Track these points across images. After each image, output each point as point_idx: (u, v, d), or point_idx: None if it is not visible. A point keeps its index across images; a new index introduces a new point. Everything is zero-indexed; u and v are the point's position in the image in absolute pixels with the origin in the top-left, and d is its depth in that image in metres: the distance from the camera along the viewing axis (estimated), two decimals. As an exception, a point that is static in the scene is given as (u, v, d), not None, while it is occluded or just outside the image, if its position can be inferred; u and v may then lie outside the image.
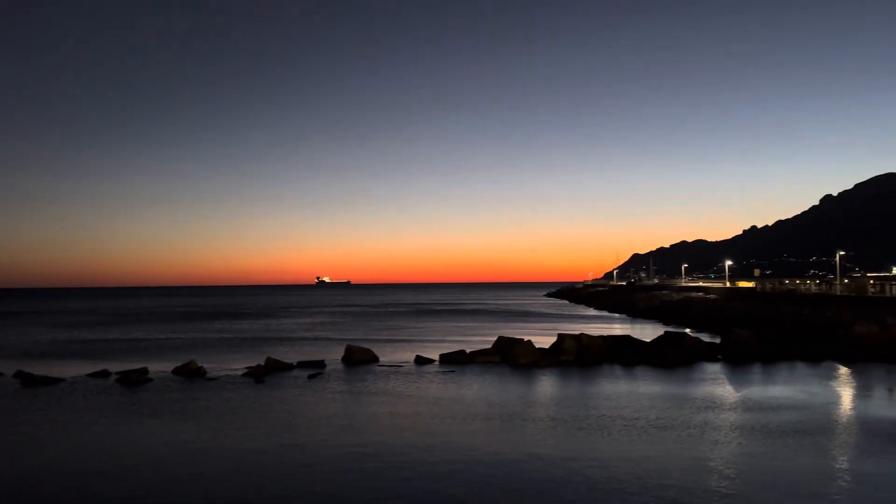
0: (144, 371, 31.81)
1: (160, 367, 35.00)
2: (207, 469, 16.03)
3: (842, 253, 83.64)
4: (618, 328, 62.02)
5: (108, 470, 16.11)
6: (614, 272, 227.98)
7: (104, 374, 32.12)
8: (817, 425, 20.02)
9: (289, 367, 34.20)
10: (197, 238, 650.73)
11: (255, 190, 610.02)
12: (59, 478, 15.54)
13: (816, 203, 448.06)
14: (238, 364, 36.18)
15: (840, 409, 22.87)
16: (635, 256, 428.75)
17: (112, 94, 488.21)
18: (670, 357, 35.28)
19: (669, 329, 50.65)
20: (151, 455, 17.44)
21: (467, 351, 37.35)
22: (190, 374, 32.28)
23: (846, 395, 25.79)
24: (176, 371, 32.93)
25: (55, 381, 30.27)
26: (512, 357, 35.44)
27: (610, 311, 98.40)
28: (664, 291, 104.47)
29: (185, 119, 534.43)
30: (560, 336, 37.78)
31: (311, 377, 31.04)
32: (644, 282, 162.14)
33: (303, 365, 35.01)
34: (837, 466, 15.70)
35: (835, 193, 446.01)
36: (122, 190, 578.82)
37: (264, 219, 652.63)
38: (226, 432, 20.03)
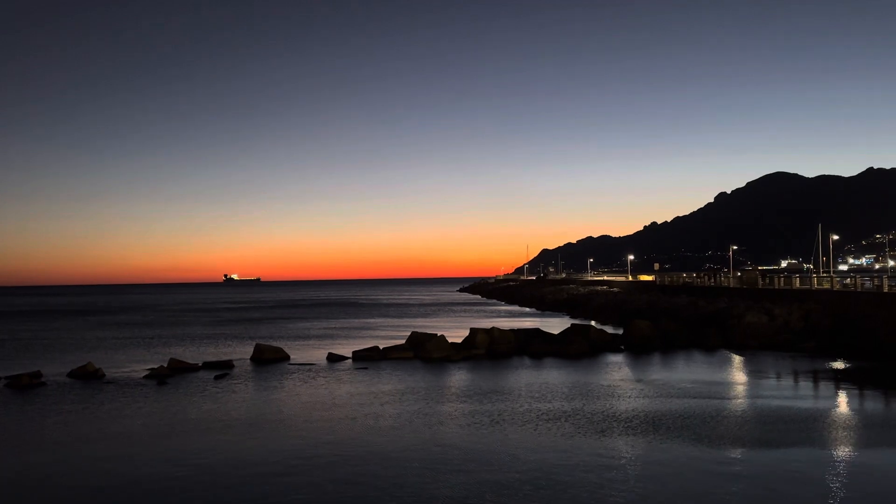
0: (37, 374, 30.04)
1: (54, 369, 33.14)
2: (104, 478, 15.34)
3: (735, 248, 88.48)
4: (528, 322, 63.40)
5: (-4, 481, 15.19)
6: (525, 267, 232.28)
7: (-9, 380, 30.13)
8: (711, 412, 21.20)
9: (194, 368, 33.08)
10: (100, 234, 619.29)
11: (161, 186, 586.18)
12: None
13: (712, 200, 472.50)
14: (139, 365, 34.74)
15: (732, 395, 24.28)
16: (545, 252, 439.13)
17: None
18: (576, 348, 36.45)
19: (576, 321, 52.20)
20: (45, 466, 16.53)
21: (381, 347, 37.29)
22: (87, 376, 30.72)
23: (738, 382, 27.43)
24: (72, 374, 31.26)
25: (-66, 388, 28.15)
26: (425, 352, 35.65)
27: (521, 305, 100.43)
28: (571, 285, 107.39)
29: (91, 113, 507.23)
30: (472, 330, 38.32)
31: (217, 378, 30.15)
32: (552, 276, 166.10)
33: (209, 365, 33.95)
34: (727, 452, 16.67)
35: (729, 191, 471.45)
36: (23, 184, 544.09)
37: (170, 215, 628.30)
38: (125, 438, 19.22)
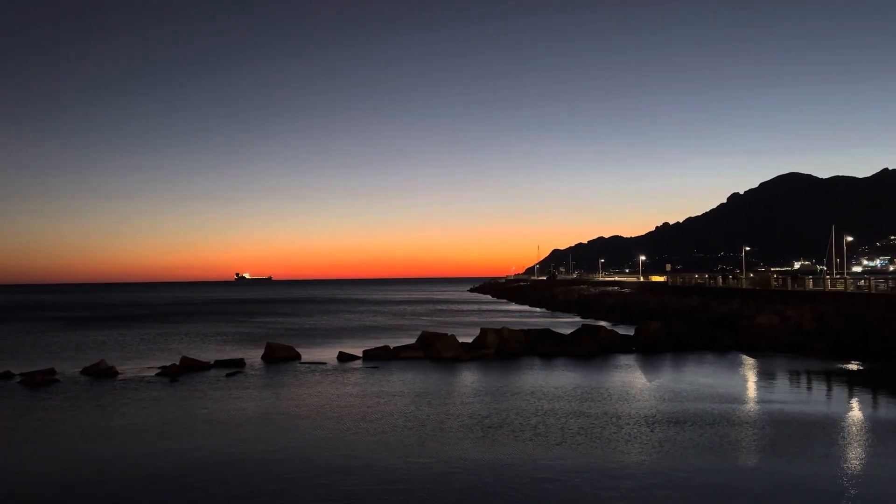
0: (51, 372, 30.37)
1: (68, 367, 33.48)
2: (117, 474, 15.50)
3: (747, 249, 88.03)
4: (538, 321, 63.28)
5: (7, 480, 15.37)
6: (536, 267, 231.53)
7: (7, 376, 30.43)
8: (721, 415, 21.09)
9: (205, 367, 33.29)
10: (112, 233, 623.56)
11: (173, 185, 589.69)
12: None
13: (724, 201, 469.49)
14: (151, 363, 35.01)
15: (743, 398, 24.15)
16: (556, 252, 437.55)
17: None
18: (587, 349, 36.40)
19: (587, 322, 52.09)
20: (59, 462, 16.72)
21: (391, 346, 37.37)
22: (100, 374, 31.01)
23: (749, 384, 27.29)
24: (85, 371, 31.57)
25: (-49, 384, 28.50)
26: (435, 352, 35.69)
27: (531, 306, 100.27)
28: (582, 286, 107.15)
29: (103, 111, 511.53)
30: (482, 330, 38.33)
31: (228, 376, 30.34)
32: (563, 276, 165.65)
33: (220, 364, 34.15)
34: (737, 457, 16.59)
35: (741, 192, 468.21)
36: (37, 182, 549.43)
37: (182, 214, 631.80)
38: (137, 435, 19.41)
